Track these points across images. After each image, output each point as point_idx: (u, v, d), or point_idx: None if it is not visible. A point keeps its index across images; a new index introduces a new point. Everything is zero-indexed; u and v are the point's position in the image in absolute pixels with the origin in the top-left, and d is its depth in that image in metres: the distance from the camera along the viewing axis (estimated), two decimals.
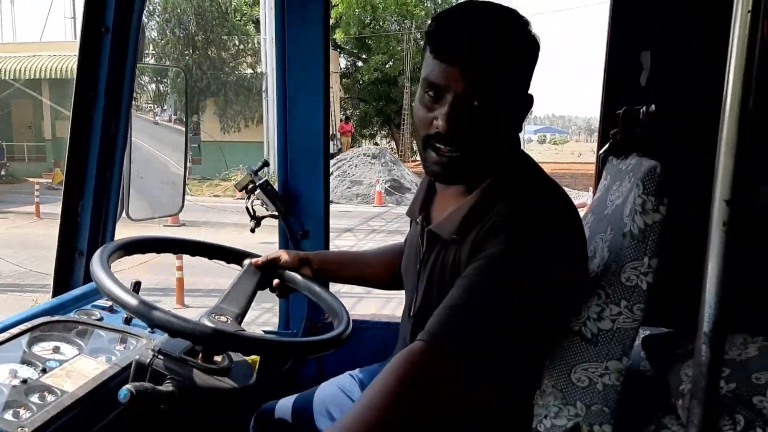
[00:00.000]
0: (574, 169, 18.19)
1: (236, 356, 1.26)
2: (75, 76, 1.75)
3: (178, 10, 19.23)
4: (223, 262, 1.56)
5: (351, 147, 21.92)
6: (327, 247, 1.99)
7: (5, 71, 18.34)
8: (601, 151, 1.59)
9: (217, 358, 1.21)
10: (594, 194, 1.56)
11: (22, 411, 1.10)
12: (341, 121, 23.13)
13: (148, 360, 1.17)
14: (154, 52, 19.53)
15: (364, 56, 25.46)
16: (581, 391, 1.13)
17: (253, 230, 1.92)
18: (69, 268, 1.79)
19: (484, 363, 1.02)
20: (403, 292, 1.39)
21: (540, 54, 1.15)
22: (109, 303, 1.58)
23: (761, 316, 1.30)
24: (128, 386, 1.04)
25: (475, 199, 1.15)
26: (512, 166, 1.17)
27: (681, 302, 1.15)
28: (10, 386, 1.15)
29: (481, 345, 1.00)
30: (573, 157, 30.52)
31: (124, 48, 1.77)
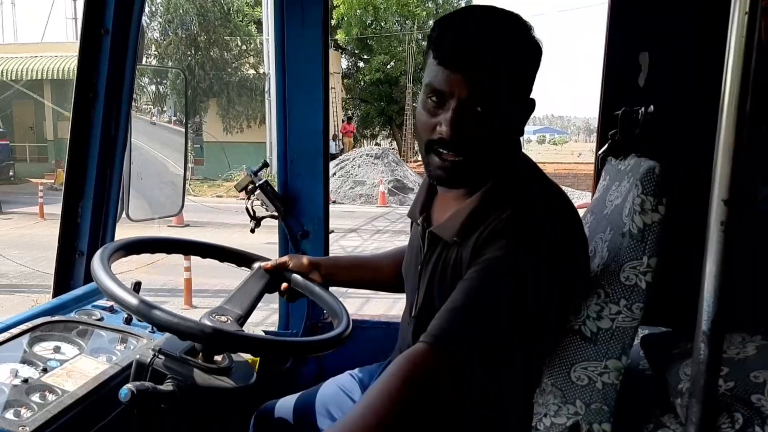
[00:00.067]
0: (577, 169, 18.14)
1: (236, 356, 1.26)
2: (75, 77, 1.76)
3: (181, 11, 19.25)
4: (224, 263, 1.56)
5: (353, 147, 21.95)
6: (327, 247, 1.99)
7: (7, 72, 18.34)
8: (600, 152, 1.60)
9: (218, 358, 1.22)
10: (593, 194, 1.56)
11: (23, 410, 1.11)
12: (343, 121, 23.14)
13: (149, 359, 1.17)
14: (156, 52, 19.58)
15: (365, 57, 25.51)
16: (581, 390, 1.13)
17: (253, 230, 1.93)
18: (69, 269, 1.80)
19: (486, 364, 1.02)
20: None
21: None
22: (110, 303, 1.59)
23: (760, 316, 1.30)
24: (129, 385, 1.05)
25: (476, 202, 1.15)
26: (513, 169, 1.18)
27: (680, 301, 1.15)
28: (11, 386, 1.16)
29: (483, 347, 1.00)
30: (573, 157, 30.52)
31: (123, 49, 1.78)
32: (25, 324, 1.37)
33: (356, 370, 1.57)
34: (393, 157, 17.73)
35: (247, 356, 1.32)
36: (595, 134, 1.97)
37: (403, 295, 1.41)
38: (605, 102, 1.73)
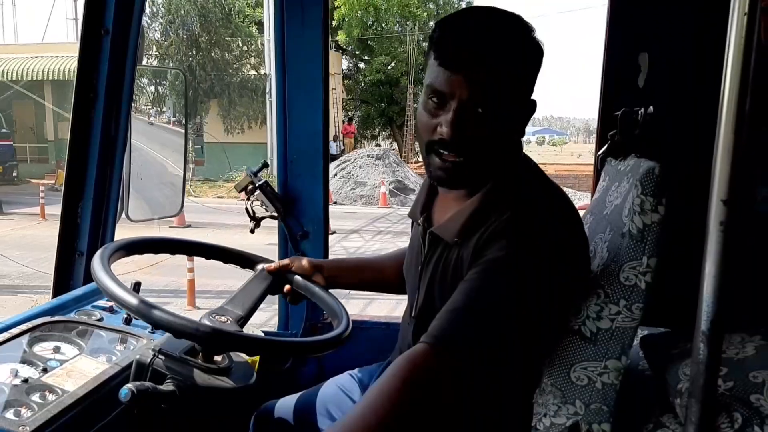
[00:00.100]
0: (578, 170, 18.13)
1: (236, 356, 1.26)
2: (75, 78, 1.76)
3: (182, 12, 19.27)
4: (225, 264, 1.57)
5: (354, 148, 21.97)
6: (326, 247, 1.99)
7: (7, 72, 18.34)
8: (599, 153, 1.60)
9: (218, 358, 1.22)
10: (593, 195, 1.56)
11: (23, 410, 1.11)
12: (344, 122, 23.17)
13: (149, 360, 1.17)
14: (158, 53, 19.59)
15: (366, 58, 25.55)
16: (580, 390, 1.14)
17: (252, 231, 1.93)
18: (69, 269, 1.80)
19: (486, 365, 1.02)
20: None
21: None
22: (109, 303, 1.59)
23: (759, 316, 1.31)
24: (129, 385, 1.05)
25: (477, 203, 1.15)
26: (514, 170, 1.18)
27: (679, 302, 1.15)
28: (11, 385, 1.16)
29: (484, 347, 1.00)
30: (573, 158, 30.55)
31: (123, 50, 1.78)
32: (25, 324, 1.37)
33: (356, 371, 1.57)
34: (394, 158, 17.75)
35: (247, 356, 1.32)
36: (594, 135, 1.97)
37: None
38: (605, 103, 1.73)
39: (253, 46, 20.89)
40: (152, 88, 20.18)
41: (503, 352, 1.03)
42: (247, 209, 1.91)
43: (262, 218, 1.94)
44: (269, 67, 18.61)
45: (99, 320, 1.51)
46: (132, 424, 1.22)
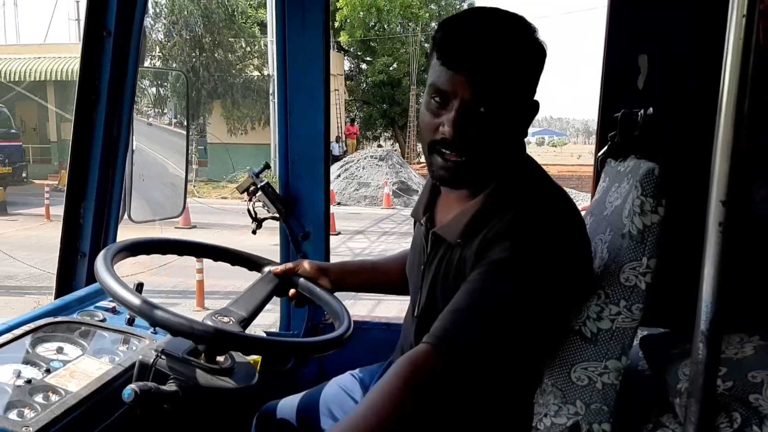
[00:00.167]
0: (581, 171, 18.13)
1: (238, 357, 1.27)
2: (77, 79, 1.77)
3: (185, 12, 19.29)
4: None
5: (356, 149, 21.99)
6: (327, 248, 2.00)
7: (10, 73, 18.35)
8: (599, 154, 1.60)
9: (220, 359, 1.23)
10: (593, 197, 1.57)
11: (26, 411, 1.11)
12: (346, 123, 23.18)
13: (152, 360, 1.18)
14: (161, 54, 19.62)
15: (368, 59, 25.57)
16: (581, 390, 1.14)
17: (254, 232, 1.94)
18: (72, 270, 1.80)
19: (488, 366, 1.03)
20: None
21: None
22: (112, 304, 1.60)
23: (758, 316, 1.31)
24: (132, 386, 1.06)
25: (480, 204, 1.15)
26: (517, 170, 1.18)
27: (679, 302, 1.16)
28: (14, 386, 1.16)
29: (486, 349, 1.01)
30: (573, 159, 30.55)
31: (126, 51, 1.79)
32: (28, 325, 1.37)
33: (357, 371, 1.58)
34: (397, 159, 17.76)
35: (249, 357, 1.32)
36: (593, 136, 1.97)
37: None
38: (605, 104, 1.74)
39: (256, 47, 20.92)
40: (153, 89, 20.22)
41: (505, 353, 1.04)
42: (248, 210, 1.92)
43: (264, 219, 1.95)
44: (272, 68, 18.62)
45: (102, 321, 1.52)
46: (135, 424, 1.22)
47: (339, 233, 11.23)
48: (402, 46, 24.37)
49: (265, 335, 1.80)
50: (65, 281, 1.79)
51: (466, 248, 1.14)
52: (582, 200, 11.98)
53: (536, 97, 1.18)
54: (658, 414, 1.19)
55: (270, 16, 17.71)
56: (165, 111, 19.78)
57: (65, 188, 1.81)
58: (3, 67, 18.47)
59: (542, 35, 1.14)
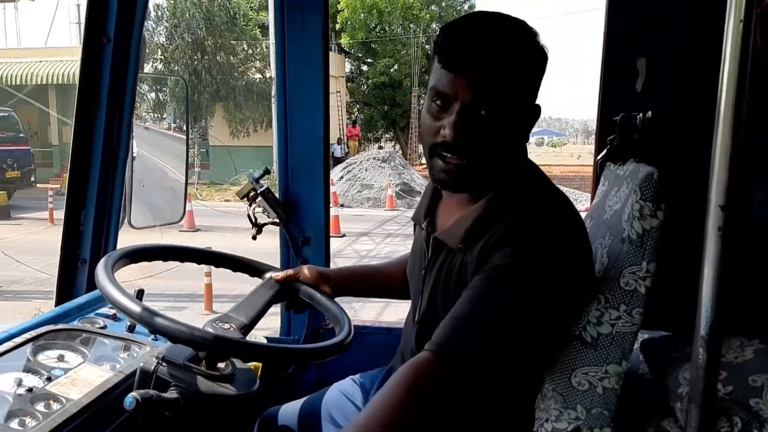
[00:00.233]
0: (584, 171, 18.08)
1: (239, 363, 1.27)
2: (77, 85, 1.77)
3: (187, 15, 19.31)
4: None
5: (358, 151, 22.00)
6: (328, 253, 2.00)
7: (12, 77, 18.36)
8: (598, 157, 1.60)
9: (221, 365, 1.23)
10: (592, 199, 1.57)
11: (27, 419, 1.11)
12: (347, 125, 23.19)
13: (153, 367, 1.18)
14: (163, 57, 19.64)
15: (369, 60, 25.59)
16: (581, 395, 1.14)
17: (254, 237, 1.94)
18: (72, 277, 1.80)
19: (490, 372, 1.03)
20: None
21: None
22: (113, 311, 1.60)
23: (758, 319, 1.31)
24: (133, 393, 1.06)
25: (481, 209, 1.15)
26: (518, 175, 1.18)
27: (680, 304, 1.16)
28: (15, 395, 1.16)
29: (488, 355, 1.01)
30: (573, 159, 30.54)
31: (125, 58, 1.79)
32: (29, 333, 1.37)
33: (358, 376, 1.58)
34: (399, 161, 17.76)
35: (250, 363, 1.32)
36: (593, 136, 1.97)
37: None
38: (603, 107, 1.74)
39: (258, 50, 20.94)
40: (153, 94, 20.23)
41: (507, 359, 1.04)
42: (249, 216, 1.92)
43: (264, 224, 1.95)
44: (274, 71, 18.58)
45: (102, 328, 1.52)
46: None
47: (344, 235, 11.22)
48: (403, 47, 24.38)
49: (266, 341, 1.80)
50: (66, 288, 1.79)
51: (468, 253, 1.14)
52: (586, 200, 11.96)
53: (536, 100, 1.18)
54: (659, 418, 1.19)
55: (272, 18, 17.73)
56: (164, 116, 19.80)
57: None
58: (5, 71, 18.48)
59: (543, 36, 1.14)
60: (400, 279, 1.52)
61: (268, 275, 1.52)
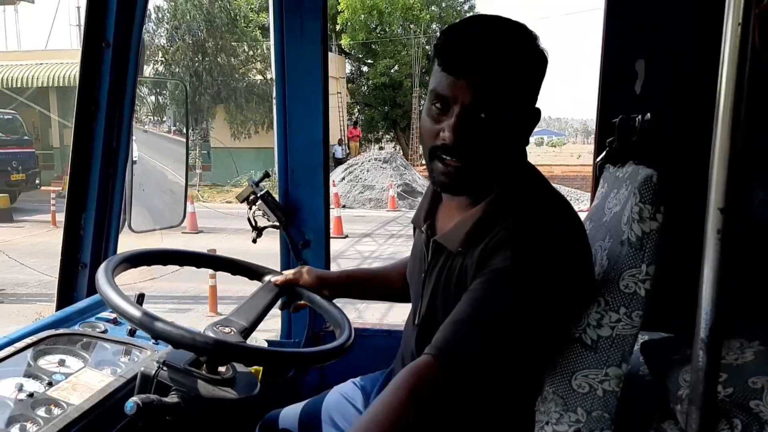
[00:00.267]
0: (585, 171, 18.08)
1: (240, 367, 1.27)
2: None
3: (188, 17, 19.33)
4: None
5: (359, 152, 22.03)
6: (328, 256, 2.00)
7: (12, 79, 18.35)
8: (598, 159, 1.60)
9: (222, 369, 1.23)
10: (592, 201, 1.57)
11: (28, 425, 1.11)
12: (348, 126, 23.20)
13: (153, 372, 1.18)
14: (163, 58, 19.64)
15: (370, 61, 25.61)
16: (582, 398, 1.14)
17: (254, 240, 1.94)
18: (72, 281, 1.80)
19: (490, 375, 1.03)
20: None
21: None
22: (113, 315, 1.60)
23: (757, 321, 1.31)
24: (134, 398, 1.06)
25: (481, 212, 1.15)
26: (518, 179, 1.18)
27: (680, 306, 1.16)
28: (16, 400, 1.17)
29: (488, 359, 1.01)
30: (573, 159, 30.58)
31: (124, 62, 1.79)
32: (30, 338, 1.38)
33: (358, 378, 1.58)
34: (401, 161, 17.78)
35: (251, 366, 1.33)
36: (592, 135, 1.97)
37: None
38: (602, 109, 1.74)
39: (259, 51, 20.95)
40: (152, 98, 20.25)
41: (507, 362, 1.04)
42: (249, 219, 1.92)
43: (264, 228, 1.95)
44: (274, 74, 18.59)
45: (103, 332, 1.52)
46: None
47: (347, 236, 11.22)
48: (403, 48, 24.41)
49: (266, 344, 1.80)
50: (66, 292, 1.79)
51: (468, 257, 1.14)
52: (587, 200, 11.91)
53: (537, 103, 1.19)
54: (659, 420, 1.19)
55: (272, 20, 17.71)
56: (164, 119, 19.81)
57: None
58: (6, 74, 18.48)
59: (543, 36, 1.14)
60: (400, 282, 1.52)
61: (267, 278, 1.52)
